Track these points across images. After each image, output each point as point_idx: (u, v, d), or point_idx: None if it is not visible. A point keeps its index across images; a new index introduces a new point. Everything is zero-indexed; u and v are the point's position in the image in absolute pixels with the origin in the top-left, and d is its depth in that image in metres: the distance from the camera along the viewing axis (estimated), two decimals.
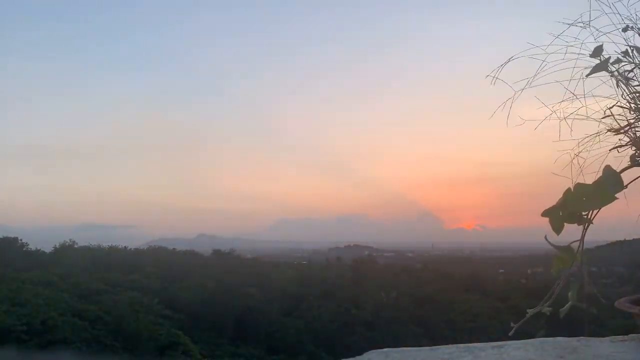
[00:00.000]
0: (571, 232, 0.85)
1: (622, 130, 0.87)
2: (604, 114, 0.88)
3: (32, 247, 22.64)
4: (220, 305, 18.01)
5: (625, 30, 0.87)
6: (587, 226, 0.85)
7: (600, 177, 0.82)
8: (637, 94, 0.86)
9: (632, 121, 0.86)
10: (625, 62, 0.87)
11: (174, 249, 28.89)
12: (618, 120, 0.88)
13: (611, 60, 0.88)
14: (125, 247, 26.71)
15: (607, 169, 0.83)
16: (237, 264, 25.48)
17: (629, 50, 0.87)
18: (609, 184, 0.81)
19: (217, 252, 27.84)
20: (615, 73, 0.87)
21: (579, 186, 0.84)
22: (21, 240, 22.55)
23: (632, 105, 0.86)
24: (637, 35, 0.87)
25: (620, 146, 0.88)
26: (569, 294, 0.89)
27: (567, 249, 0.88)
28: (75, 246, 24.33)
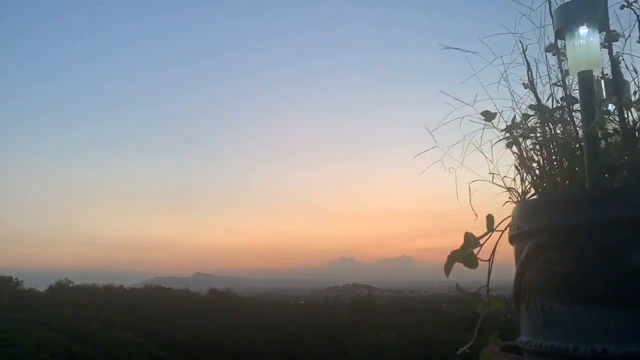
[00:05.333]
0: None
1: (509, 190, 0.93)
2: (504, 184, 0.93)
3: (26, 286, 22.30)
4: (217, 347, 17.63)
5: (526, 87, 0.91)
6: (489, 271, 0.87)
7: (464, 242, 0.86)
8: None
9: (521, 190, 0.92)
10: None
11: (170, 288, 28.48)
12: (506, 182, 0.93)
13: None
14: (121, 286, 26.34)
15: (468, 236, 0.86)
16: (234, 304, 25.06)
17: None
18: (468, 250, 0.85)
19: (213, 292, 27.43)
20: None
21: (467, 235, 0.86)
22: (15, 279, 22.24)
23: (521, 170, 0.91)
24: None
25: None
26: (490, 337, 0.90)
27: (475, 294, 0.89)
28: (71, 285, 23.98)
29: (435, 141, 0.93)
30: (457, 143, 0.92)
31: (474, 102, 0.92)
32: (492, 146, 0.92)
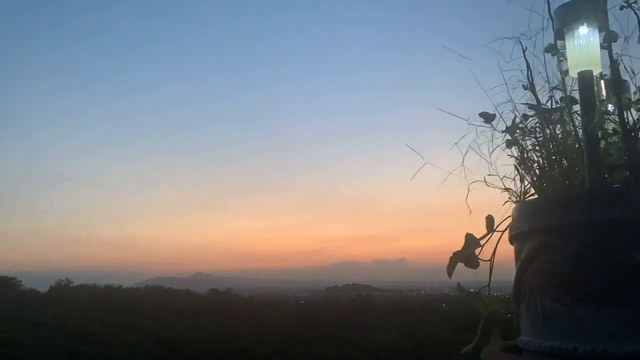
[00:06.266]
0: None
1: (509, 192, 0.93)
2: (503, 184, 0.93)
3: (26, 286, 22.33)
4: (216, 347, 17.63)
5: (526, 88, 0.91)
6: (490, 271, 0.87)
7: (465, 242, 0.86)
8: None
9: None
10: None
11: (170, 288, 28.49)
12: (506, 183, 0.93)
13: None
14: (120, 286, 26.36)
15: (468, 237, 0.86)
16: (234, 304, 25.06)
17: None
18: (469, 251, 0.86)
19: (213, 292, 27.43)
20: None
21: (468, 236, 0.86)
22: (16, 279, 22.26)
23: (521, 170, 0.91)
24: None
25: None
26: (491, 337, 0.90)
27: (476, 295, 0.89)
28: (71, 285, 24.00)
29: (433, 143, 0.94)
30: (455, 144, 0.92)
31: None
32: (489, 146, 0.92)
